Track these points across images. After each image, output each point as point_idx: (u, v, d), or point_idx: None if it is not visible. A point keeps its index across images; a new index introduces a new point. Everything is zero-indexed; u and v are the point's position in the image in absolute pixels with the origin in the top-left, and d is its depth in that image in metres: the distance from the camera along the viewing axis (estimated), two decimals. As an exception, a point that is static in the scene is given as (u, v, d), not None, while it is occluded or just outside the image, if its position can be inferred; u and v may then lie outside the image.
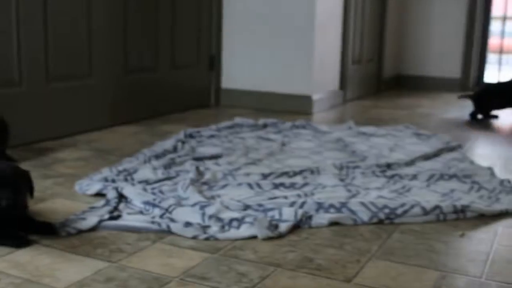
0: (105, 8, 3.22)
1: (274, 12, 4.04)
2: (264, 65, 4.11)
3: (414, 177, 2.31)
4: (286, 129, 3.24)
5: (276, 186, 2.16)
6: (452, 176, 2.32)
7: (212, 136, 3.02)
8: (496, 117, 3.90)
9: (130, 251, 1.60)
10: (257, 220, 1.72)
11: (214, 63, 4.21)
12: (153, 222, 1.77)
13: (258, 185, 2.15)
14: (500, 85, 4.04)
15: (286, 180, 2.24)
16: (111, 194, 1.96)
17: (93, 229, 1.73)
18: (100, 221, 1.75)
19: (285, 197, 2.01)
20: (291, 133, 3.17)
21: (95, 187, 2.08)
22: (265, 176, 2.28)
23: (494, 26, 5.66)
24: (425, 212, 1.89)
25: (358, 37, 4.84)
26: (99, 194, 2.05)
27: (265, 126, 3.29)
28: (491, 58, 5.71)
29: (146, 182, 2.18)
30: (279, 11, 4.02)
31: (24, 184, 1.66)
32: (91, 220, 1.75)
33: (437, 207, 1.90)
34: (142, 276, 1.45)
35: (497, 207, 1.96)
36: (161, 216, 1.81)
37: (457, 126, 3.62)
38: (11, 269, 1.47)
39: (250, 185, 2.15)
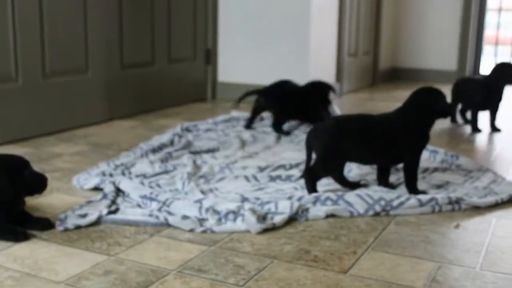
0: (100, 2, 3.22)
1: (270, 5, 4.04)
2: (261, 58, 4.12)
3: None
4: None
5: (273, 179, 2.17)
6: (446, 169, 2.33)
7: (208, 130, 3.03)
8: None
9: (128, 244, 1.61)
10: (245, 217, 1.73)
11: (210, 57, 4.22)
12: (151, 215, 1.78)
13: (255, 178, 2.17)
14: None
15: (282, 172, 2.25)
16: (109, 188, 1.97)
17: (92, 223, 1.75)
18: (99, 217, 1.76)
19: (282, 190, 2.03)
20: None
21: (93, 181, 2.09)
22: (261, 169, 2.29)
23: (490, 18, 5.67)
24: (421, 203, 1.90)
25: (354, 30, 4.84)
26: (97, 188, 2.06)
27: (261, 119, 3.30)
28: (487, 49, 5.73)
29: (144, 176, 2.19)
30: (275, 4, 4.03)
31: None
32: (91, 217, 1.76)
33: (432, 199, 1.91)
34: (140, 269, 1.46)
35: (491, 198, 1.98)
36: (159, 210, 1.82)
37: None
38: (10, 263, 1.48)
39: (247, 178, 2.16)
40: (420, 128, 2.02)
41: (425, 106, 2.02)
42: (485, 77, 3.27)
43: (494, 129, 3.26)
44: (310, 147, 2.02)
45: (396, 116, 2.05)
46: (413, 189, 2.02)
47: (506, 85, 3.20)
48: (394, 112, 2.07)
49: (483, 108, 3.28)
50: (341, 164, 2.05)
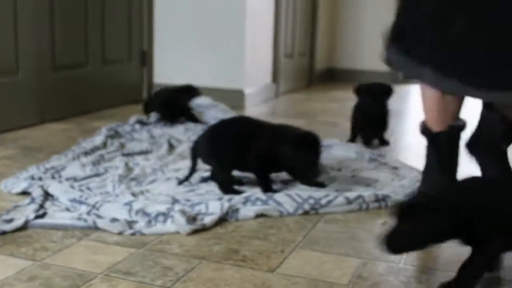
0: (31, 1, 3.16)
1: (206, 7, 4.04)
2: (196, 60, 4.11)
3: (339, 170, 2.37)
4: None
5: (204, 180, 2.17)
6: (376, 167, 2.39)
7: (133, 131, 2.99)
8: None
9: (55, 249, 1.59)
10: (175, 218, 1.74)
11: (146, 58, 4.19)
12: (79, 219, 1.76)
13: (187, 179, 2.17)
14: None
15: (215, 174, 2.26)
16: (37, 192, 1.94)
17: (18, 228, 1.71)
18: (26, 222, 1.73)
19: (213, 191, 2.04)
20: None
21: (21, 186, 2.04)
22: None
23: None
24: (349, 201, 1.94)
25: (290, 31, 4.89)
26: (25, 193, 2.02)
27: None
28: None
29: (74, 179, 2.16)
30: (211, 5, 4.03)
31: None
32: (17, 222, 1.72)
33: (359, 196, 1.96)
34: (66, 273, 1.44)
35: (418, 195, 2.04)
36: (88, 213, 1.80)
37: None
38: None
39: (178, 180, 2.16)
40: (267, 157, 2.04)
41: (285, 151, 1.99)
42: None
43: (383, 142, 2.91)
44: (195, 156, 2.11)
45: (266, 131, 2.08)
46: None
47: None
48: (271, 126, 2.12)
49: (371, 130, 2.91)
50: (231, 166, 2.09)
